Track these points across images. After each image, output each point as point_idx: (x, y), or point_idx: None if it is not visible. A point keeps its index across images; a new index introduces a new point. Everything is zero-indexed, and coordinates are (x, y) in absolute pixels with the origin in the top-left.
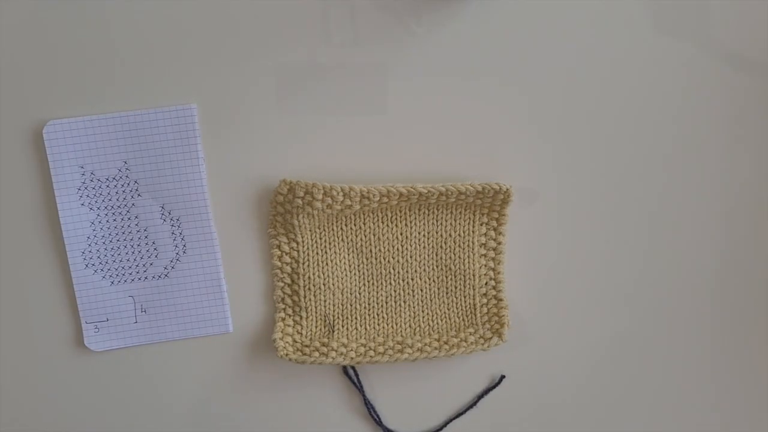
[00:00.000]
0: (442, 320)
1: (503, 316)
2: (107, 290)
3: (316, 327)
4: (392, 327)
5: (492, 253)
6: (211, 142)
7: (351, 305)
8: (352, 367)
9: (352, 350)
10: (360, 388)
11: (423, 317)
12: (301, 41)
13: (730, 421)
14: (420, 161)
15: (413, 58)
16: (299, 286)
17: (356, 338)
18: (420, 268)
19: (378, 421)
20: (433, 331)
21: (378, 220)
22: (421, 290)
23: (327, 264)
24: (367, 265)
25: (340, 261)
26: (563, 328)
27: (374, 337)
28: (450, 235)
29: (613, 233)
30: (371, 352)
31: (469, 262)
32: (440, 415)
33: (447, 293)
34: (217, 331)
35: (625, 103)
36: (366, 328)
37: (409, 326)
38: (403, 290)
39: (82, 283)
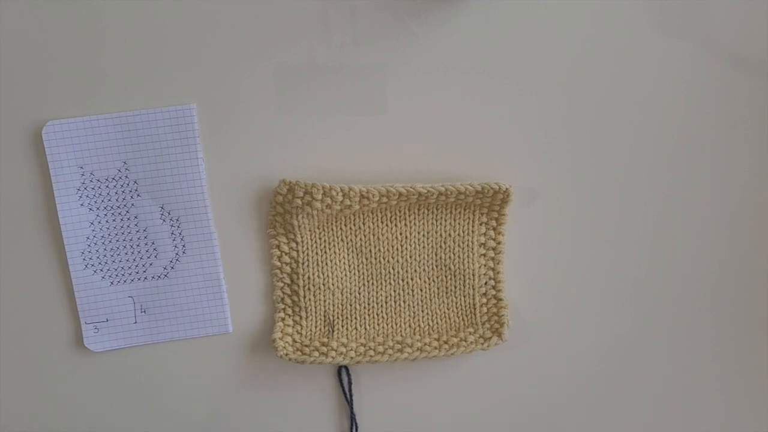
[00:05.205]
0: (441, 320)
1: (503, 315)
2: (107, 290)
3: (315, 327)
4: (392, 327)
5: (491, 253)
6: (211, 142)
7: (351, 305)
8: (348, 375)
9: (351, 350)
10: (349, 401)
11: (423, 317)
12: (301, 41)
13: (731, 422)
14: (419, 161)
15: (413, 58)
16: (299, 286)
17: (356, 338)
18: (419, 267)
19: None
20: (433, 331)
21: (377, 220)
22: (421, 290)
23: (326, 264)
24: (366, 265)
25: (340, 261)
26: (563, 328)
27: (374, 337)
28: (449, 235)
29: (612, 233)
30: (371, 352)
31: (468, 262)
32: (440, 415)
33: (447, 293)
34: (217, 331)
35: (624, 103)
36: (366, 328)
37: (409, 326)
38: (403, 290)
39: (81, 284)
